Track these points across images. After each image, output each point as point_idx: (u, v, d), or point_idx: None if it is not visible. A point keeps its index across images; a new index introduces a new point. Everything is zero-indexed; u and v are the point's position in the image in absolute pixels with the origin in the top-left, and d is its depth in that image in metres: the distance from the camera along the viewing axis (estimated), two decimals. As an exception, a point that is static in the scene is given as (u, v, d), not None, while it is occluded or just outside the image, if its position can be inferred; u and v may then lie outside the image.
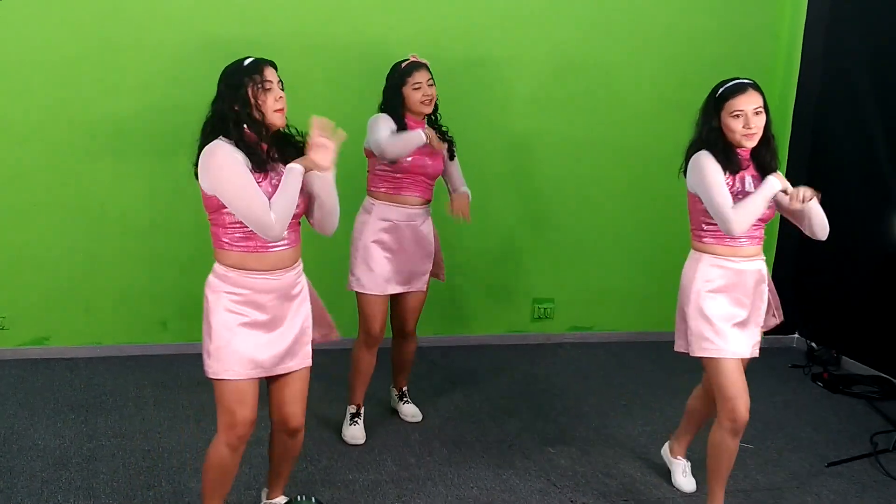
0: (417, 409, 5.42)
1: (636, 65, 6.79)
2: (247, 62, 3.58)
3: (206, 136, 3.56)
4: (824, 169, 6.73)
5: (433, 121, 5.03)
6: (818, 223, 4.10)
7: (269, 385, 3.80)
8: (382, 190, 4.96)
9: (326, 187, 3.62)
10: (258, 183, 3.48)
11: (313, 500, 4.10)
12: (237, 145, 3.51)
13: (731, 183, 4.04)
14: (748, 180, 4.08)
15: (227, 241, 3.57)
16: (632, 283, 7.10)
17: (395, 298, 5.13)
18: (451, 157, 5.10)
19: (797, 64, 6.97)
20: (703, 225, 4.14)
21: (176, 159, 5.96)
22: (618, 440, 5.30)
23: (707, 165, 4.02)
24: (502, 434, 5.29)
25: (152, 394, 5.57)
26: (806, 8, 6.93)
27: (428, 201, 5.05)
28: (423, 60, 4.95)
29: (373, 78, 5.11)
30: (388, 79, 4.96)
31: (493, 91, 6.53)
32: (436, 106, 4.99)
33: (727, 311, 4.12)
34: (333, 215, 3.70)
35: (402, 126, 4.87)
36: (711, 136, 4.06)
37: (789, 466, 5.08)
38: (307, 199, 3.66)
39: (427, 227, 5.07)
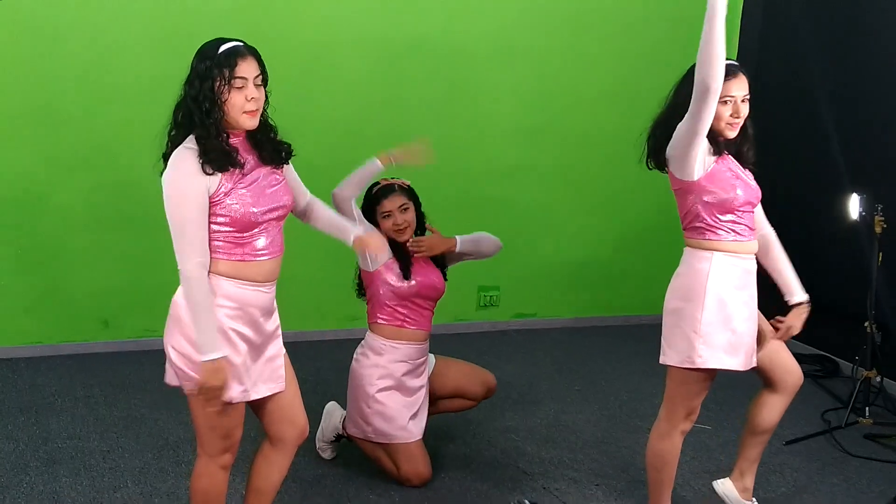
0: None
1: (577, 50, 6.82)
2: (223, 48, 3.15)
3: (176, 129, 3.20)
4: (769, 154, 6.82)
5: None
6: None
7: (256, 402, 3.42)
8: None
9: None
10: (234, 183, 3.17)
11: None
12: (199, 141, 3.13)
13: (722, 168, 3.66)
14: (735, 165, 3.73)
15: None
16: (573, 269, 7.14)
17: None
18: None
19: (735, 46, 7.06)
20: (709, 218, 3.69)
21: (117, 152, 5.87)
22: (578, 425, 5.33)
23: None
24: (464, 423, 5.26)
25: (102, 393, 5.41)
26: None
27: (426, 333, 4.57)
28: (399, 182, 4.39)
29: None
30: (363, 199, 4.43)
31: (434, 78, 6.50)
32: (424, 227, 4.53)
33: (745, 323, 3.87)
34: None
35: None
36: None
37: (748, 446, 5.16)
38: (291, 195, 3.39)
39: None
